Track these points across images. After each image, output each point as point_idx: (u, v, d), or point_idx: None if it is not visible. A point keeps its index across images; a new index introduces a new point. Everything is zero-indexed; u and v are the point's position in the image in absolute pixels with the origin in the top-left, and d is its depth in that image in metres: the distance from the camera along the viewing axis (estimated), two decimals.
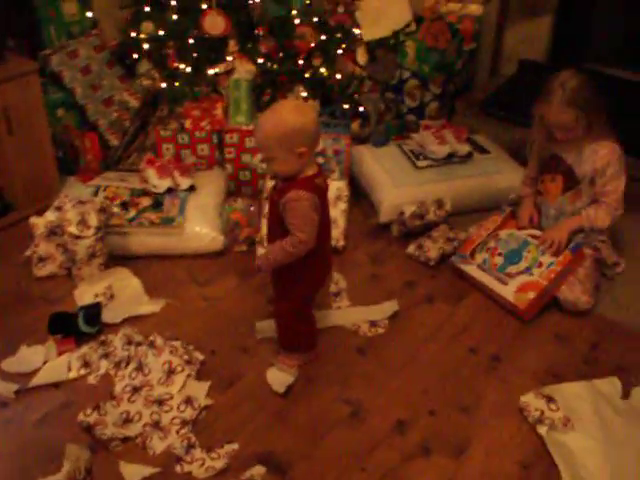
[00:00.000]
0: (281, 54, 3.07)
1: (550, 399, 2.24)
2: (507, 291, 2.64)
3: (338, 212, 2.85)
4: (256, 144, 2.25)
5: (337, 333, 2.54)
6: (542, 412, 2.20)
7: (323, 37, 3.14)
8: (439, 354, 2.47)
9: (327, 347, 2.46)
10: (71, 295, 2.68)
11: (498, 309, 2.66)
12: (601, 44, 3.51)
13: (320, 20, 3.10)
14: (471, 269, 2.75)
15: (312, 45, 3.04)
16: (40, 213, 2.88)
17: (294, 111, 2.01)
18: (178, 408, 2.22)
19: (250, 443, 2.13)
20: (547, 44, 3.61)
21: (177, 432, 2.15)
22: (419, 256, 2.87)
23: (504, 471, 2.07)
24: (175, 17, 3.05)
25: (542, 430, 2.16)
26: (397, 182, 3.04)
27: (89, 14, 3.34)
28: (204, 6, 3.01)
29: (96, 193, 2.90)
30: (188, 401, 2.24)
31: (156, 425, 2.18)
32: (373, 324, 2.57)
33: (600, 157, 2.57)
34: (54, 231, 2.68)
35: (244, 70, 2.95)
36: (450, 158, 3.13)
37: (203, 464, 2.06)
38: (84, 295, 2.65)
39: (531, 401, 2.25)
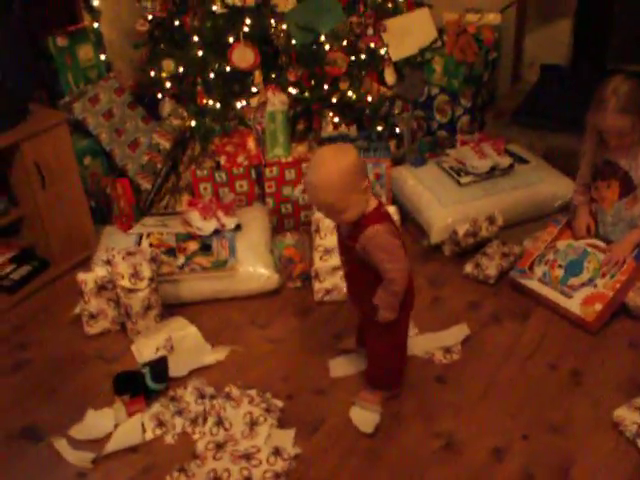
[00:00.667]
0: (312, 81, 3.01)
1: None
2: (573, 304, 2.59)
3: None
4: (322, 209, 2.03)
5: (412, 363, 2.46)
6: (639, 425, 2.16)
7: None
8: (519, 374, 2.41)
9: (405, 379, 2.38)
10: (128, 351, 2.57)
11: (566, 323, 2.61)
12: (622, 42, 3.49)
13: (349, 44, 3.04)
14: (532, 284, 2.70)
15: (343, 70, 2.98)
16: (78, 267, 2.79)
17: (338, 155, 1.93)
18: (268, 461, 2.13)
19: None
20: (568, 47, 3.60)
21: None
22: (477, 275, 2.81)
23: None
24: (200, 53, 2.96)
25: None
26: (444, 201, 2.98)
27: (102, 57, 3.24)
28: (231, 39, 2.93)
29: (139, 241, 2.80)
30: (277, 452, 2.15)
31: None
32: (447, 351, 2.50)
33: None
34: (104, 286, 2.58)
35: (278, 101, 2.88)
36: (492, 171, 3.09)
37: None
38: (144, 350, 2.54)
39: (625, 415, 2.20)
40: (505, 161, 3.10)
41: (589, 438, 2.18)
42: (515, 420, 2.25)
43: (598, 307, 2.54)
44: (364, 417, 2.25)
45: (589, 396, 2.32)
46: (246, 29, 2.95)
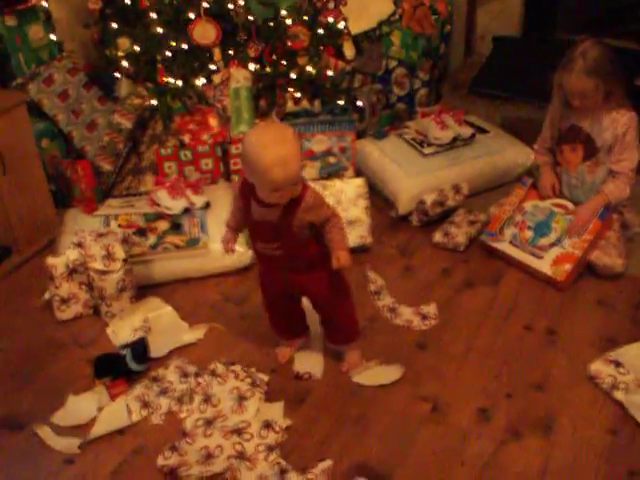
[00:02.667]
0: (274, 56, 2.98)
1: (618, 363, 2.27)
2: (543, 265, 2.68)
3: (360, 210, 2.80)
4: (290, 183, 1.93)
5: (391, 331, 2.50)
6: (614, 378, 2.23)
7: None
8: (496, 336, 2.47)
9: (387, 347, 2.42)
10: (103, 334, 2.52)
11: (537, 283, 2.69)
12: (569, 14, 3.59)
13: (310, 18, 3.02)
14: (503, 246, 2.77)
15: (306, 44, 2.97)
16: (42, 252, 2.70)
17: (287, 127, 2.05)
18: (259, 434, 2.12)
19: (342, 456, 2.05)
20: (519, 18, 3.67)
21: (265, 459, 2.05)
22: (447, 243, 2.86)
23: (595, 440, 2.08)
24: (160, 30, 2.89)
25: (619, 395, 2.19)
26: (409, 172, 3.02)
27: (53, 36, 3.13)
28: (191, 16, 2.87)
29: (107, 223, 2.74)
30: (267, 425, 2.14)
31: (241, 455, 2.06)
32: (424, 317, 2.54)
33: (621, 124, 2.61)
34: (75, 269, 2.51)
35: (242, 77, 2.84)
36: (454, 142, 3.14)
37: None
38: (120, 332, 2.49)
39: (601, 368, 2.27)
40: (467, 131, 3.16)
41: (569, 393, 2.25)
42: (498, 380, 2.30)
43: (568, 267, 2.63)
44: (373, 375, 2.30)
45: (565, 353, 2.40)
46: (206, 5, 2.90)
